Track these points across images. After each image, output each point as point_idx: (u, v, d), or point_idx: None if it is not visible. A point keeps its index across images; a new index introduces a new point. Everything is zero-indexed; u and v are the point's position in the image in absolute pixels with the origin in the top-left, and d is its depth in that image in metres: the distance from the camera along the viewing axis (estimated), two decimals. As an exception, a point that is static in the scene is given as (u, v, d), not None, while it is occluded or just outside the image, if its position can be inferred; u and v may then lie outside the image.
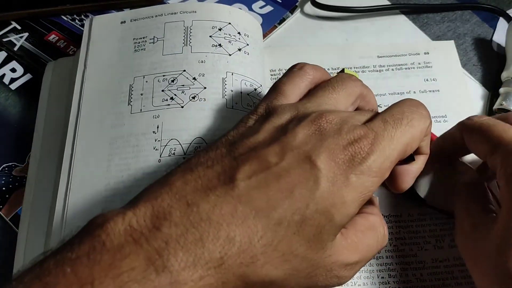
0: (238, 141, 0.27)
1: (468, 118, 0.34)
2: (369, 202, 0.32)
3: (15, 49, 0.50)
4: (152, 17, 0.44)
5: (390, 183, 0.32)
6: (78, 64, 0.43)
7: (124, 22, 0.45)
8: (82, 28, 0.51)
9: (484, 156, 0.32)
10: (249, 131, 0.28)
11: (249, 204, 0.24)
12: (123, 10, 0.52)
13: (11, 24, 0.51)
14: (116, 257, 0.21)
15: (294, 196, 0.25)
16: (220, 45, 0.42)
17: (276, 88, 0.32)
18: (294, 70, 0.33)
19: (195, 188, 0.25)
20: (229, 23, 0.43)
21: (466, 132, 0.34)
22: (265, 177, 0.25)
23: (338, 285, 0.28)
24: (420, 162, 0.32)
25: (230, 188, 0.25)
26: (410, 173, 0.32)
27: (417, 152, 0.32)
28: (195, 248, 0.23)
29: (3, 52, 0.50)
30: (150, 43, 0.42)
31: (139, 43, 0.43)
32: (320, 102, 0.30)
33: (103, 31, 0.45)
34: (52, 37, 0.51)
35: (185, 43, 0.42)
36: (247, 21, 0.45)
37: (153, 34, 0.43)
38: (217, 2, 0.53)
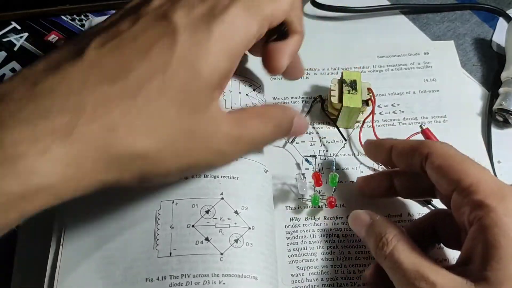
0: (98, 26, 0.26)
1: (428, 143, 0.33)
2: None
3: (15, 49, 0.50)
4: None
5: (266, 62, 0.30)
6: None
7: None
8: (82, 28, 0.51)
9: (445, 191, 0.31)
10: (108, 19, 0.27)
11: (102, 70, 0.23)
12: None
13: (11, 24, 0.51)
14: None
15: (151, 56, 0.23)
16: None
17: None
18: None
19: (44, 68, 0.23)
20: None
21: (430, 157, 0.32)
22: (118, 42, 0.24)
23: (223, 164, 0.27)
24: (294, 40, 0.31)
25: (80, 59, 0.23)
26: (285, 50, 0.30)
27: (291, 30, 0.31)
28: (36, 119, 0.21)
29: (3, 52, 0.50)
30: None
31: None
32: None
33: None
34: (52, 37, 0.51)
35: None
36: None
37: None
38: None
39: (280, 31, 0.30)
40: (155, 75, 0.23)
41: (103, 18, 0.45)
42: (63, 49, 0.24)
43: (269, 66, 0.30)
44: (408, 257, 0.29)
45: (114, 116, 0.22)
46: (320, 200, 0.38)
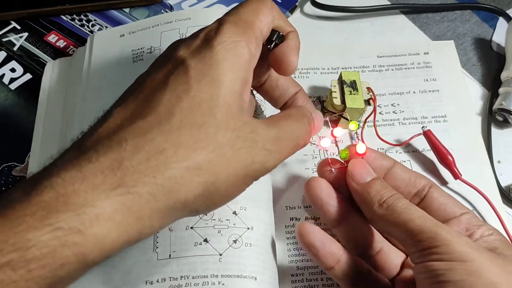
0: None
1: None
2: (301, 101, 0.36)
3: (15, 49, 0.50)
4: (149, 28, 0.45)
5: (278, 67, 0.32)
6: (82, 81, 0.43)
7: (123, 35, 0.45)
8: (81, 28, 0.51)
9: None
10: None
11: (132, 111, 0.26)
12: (122, 10, 0.52)
13: (11, 24, 0.51)
14: None
15: (170, 85, 0.26)
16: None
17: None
18: None
19: (87, 135, 0.26)
20: None
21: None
22: (137, 87, 0.27)
23: (274, 163, 0.29)
24: (292, 37, 0.32)
25: (109, 114, 0.26)
26: (290, 48, 0.31)
27: (284, 31, 0.32)
28: (84, 164, 0.23)
29: (3, 52, 0.50)
30: (147, 53, 0.43)
31: (137, 54, 0.43)
32: None
33: (103, 46, 0.45)
34: (52, 37, 0.51)
35: (180, 50, 0.42)
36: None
37: (150, 44, 0.43)
38: (216, 3, 0.53)
39: (276, 37, 0.32)
40: (181, 96, 0.26)
41: (103, 31, 0.45)
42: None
43: (282, 68, 0.32)
44: (416, 210, 0.30)
45: (157, 141, 0.24)
46: None
